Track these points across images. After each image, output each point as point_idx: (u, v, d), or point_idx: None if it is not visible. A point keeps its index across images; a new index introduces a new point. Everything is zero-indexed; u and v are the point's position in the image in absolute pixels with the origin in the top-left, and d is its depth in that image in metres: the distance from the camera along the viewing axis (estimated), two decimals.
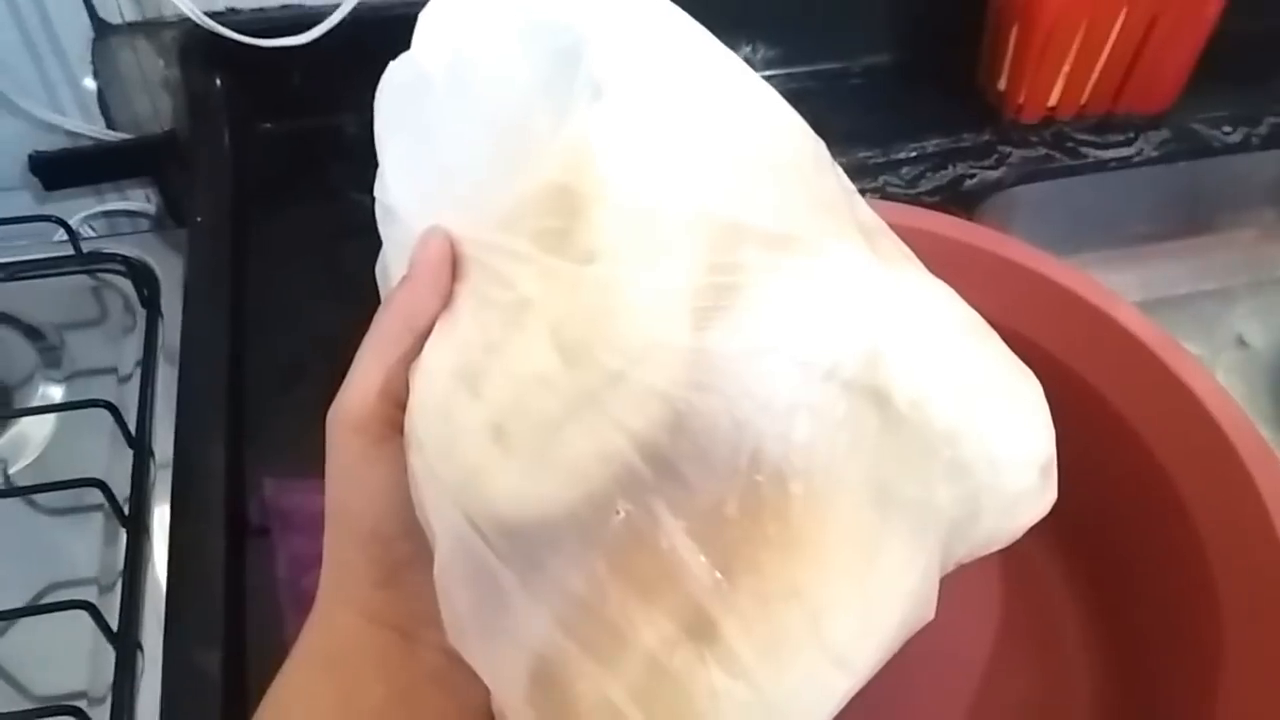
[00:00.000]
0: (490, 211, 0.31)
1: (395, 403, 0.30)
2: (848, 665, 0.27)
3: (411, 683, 0.30)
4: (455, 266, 0.31)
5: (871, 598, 0.27)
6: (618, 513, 0.26)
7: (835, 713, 0.27)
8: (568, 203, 0.29)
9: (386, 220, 0.35)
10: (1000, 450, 0.29)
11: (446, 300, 0.31)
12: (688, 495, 0.26)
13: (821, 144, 0.33)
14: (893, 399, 0.28)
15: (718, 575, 0.26)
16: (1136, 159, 0.74)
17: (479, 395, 0.28)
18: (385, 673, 0.30)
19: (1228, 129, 0.76)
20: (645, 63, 0.31)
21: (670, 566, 0.26)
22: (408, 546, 0.30)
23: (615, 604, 0.26)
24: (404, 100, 0.35)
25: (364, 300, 0.34)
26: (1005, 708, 0.45)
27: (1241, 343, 0.77)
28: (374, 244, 0.36)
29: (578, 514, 0.26)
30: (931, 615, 0.29)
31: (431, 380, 0.30)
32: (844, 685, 0.27)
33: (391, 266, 0.34)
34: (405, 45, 0.35)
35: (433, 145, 0.34)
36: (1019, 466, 0.30)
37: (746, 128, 0.32)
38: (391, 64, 0.35)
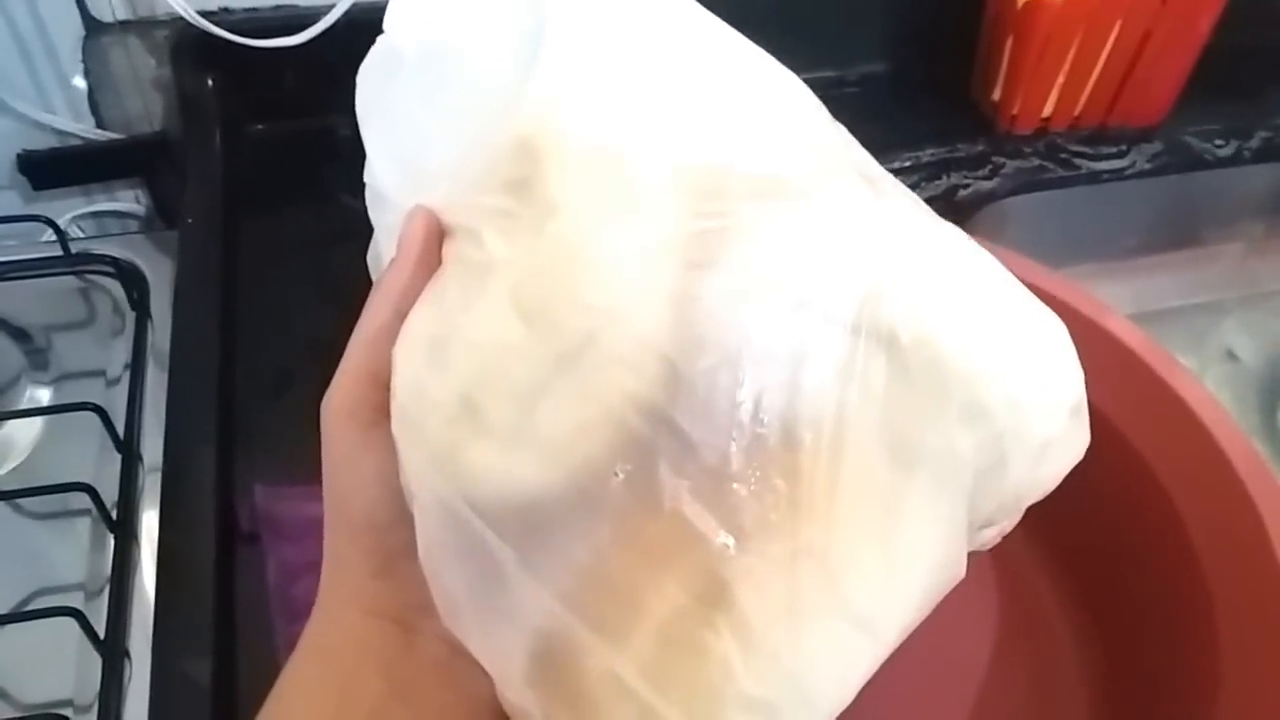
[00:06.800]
0: (467, 177, 0.29)
1: (384, 387, 0.29)
2: (872, 629, 0.25)
3: (412, 676, 0.30)
4: (443, 239, 0.30)
5: (893, 556, 0.26)
6: (616, 475, 0.25)
7: (863, 681, 0.25)
8: (529, 157, 0.28)
9: (376, 205, 0.34)
10: (1022, 391, 0.28)
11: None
12: (689, 453, 0.25)
13: (819, 103, 0.32)
14: (899, 339, 0.26)
15: (727, 536, 0.24)
16: (1129, 171, 0.74)
17: (446, 366, 0.27)
18: (384, 667, 0.29)
19: (1219, 142, 0.76)
20: (611, 20, 0.30)
21: (677, 530, 0.24)
22: (403, 534, 0.29)
23: (621, 573, 0.25)
24: (380, 82, 0.34)
25: (356, 304, 0.34)
26: (1000, 717, 0.45)
27: (1231, 356, 0.78)
28: (366, 247, 0.36)
29: (574, 483, 0.25)
30: (962, 574, 0.27)
31: (407, 351, 0.29)
32: (870, 651, 0.25)
33: (383, 252, 0.34)
34: None
35: (412, 123, 0.33)
36: (1045, 408, 0.28)
37: (728, 77, 0.30)
38: (370, 50, 0.34)
